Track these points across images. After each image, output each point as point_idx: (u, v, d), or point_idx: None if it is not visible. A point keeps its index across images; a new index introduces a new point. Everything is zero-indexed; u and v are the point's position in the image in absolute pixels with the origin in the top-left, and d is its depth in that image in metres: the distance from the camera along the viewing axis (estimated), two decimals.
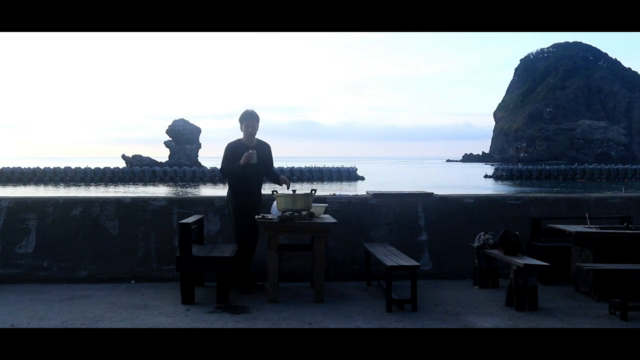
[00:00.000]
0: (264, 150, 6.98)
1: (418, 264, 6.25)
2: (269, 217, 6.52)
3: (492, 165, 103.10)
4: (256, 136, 6.99)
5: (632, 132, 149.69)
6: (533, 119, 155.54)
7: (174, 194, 42.95)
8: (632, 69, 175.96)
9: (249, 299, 6.43)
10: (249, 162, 6.63)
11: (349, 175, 66.34)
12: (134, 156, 76.17)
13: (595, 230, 6.59)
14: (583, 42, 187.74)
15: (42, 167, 66.58)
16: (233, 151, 6.86)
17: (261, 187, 7.12)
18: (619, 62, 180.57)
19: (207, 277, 7.03)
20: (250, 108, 6.98)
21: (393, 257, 6.37)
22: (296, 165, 72.09)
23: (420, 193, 8.11)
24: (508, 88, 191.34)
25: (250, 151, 6.65)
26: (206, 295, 6.50)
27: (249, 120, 6.90)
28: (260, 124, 6.98)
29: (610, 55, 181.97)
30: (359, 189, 46.15)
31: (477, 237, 7.11)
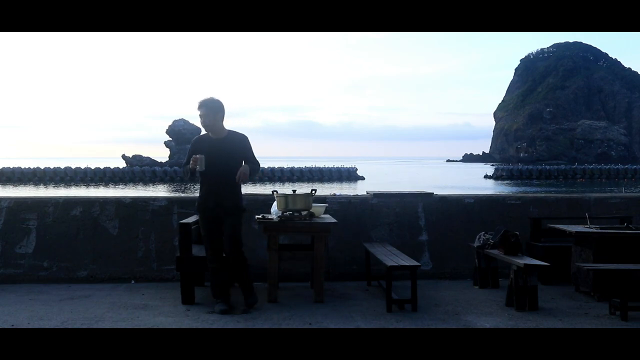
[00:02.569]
0: (237, 144, 6.00)
1: (418, 264, 6.25)
2: (269, 217, 6.52)
3: (492, 165, 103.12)
4: (235, 130, 6.09)
5: (632, 132, 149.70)
6: (533, 119, 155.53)
7: (174, 194, 42.94)
8: (632, 69, 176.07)
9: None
10: (195, 168, 5.81)
11: (349, 175, 66.35)
12: (134, 156, 76.24)
13: (595, 230, 6.59)
14: (583, 42, 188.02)
15: (42, 167, 66.62)
16: (196, 146, 6.00)
17: (233, 189, 5.96)
18: (619, 62, 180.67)
19: (207, 277, 7.02)
20: (215, 97, 6.00)
21: (393, 257, 6.37)
22: (296, 165, 72.09)
23: (420, 193, 8.10)
24: (508, 88, 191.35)
25: (197, 156, 5.80)
26: (206, 295, 6.50)
27: (202, 108, 5.94)
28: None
29: (610, 55, 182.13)
30: (359, 189, 46.15)
31: (477, 237, 7.11)
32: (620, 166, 76.38)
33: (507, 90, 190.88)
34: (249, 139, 6.13)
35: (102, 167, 66.51)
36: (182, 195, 32.91)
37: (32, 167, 66.79)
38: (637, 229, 6.62)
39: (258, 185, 57.44)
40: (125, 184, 58.76)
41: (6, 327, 5.31)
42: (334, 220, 6.58)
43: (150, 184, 59.06)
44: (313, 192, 6.57)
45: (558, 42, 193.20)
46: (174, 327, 5.33)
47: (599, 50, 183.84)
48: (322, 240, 6.37)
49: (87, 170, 65.92)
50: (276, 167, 70.17)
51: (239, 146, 6.02)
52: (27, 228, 7.48)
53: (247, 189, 7.12)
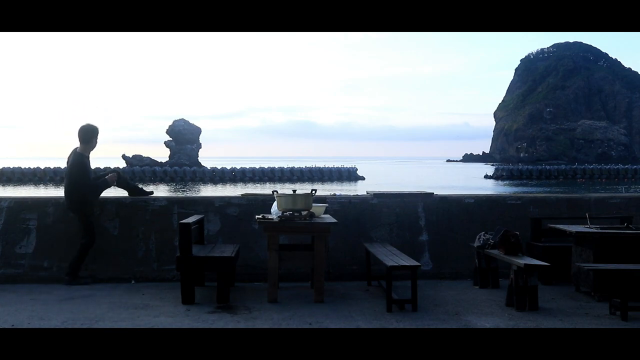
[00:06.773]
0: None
1: (418, 264, 6.25)
2: (269, 217, 6.52)
3: (493, 165, 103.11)
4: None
5: (633, 132, 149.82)
6: (533, 119, 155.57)
7: (174, 194, 42.93)
8: (633, 69, 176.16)
9: (249, 298, 6.42)
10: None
11: (349, 175, 66.35)
12: (134, 156, 76.20)
13: (595, 231, 6.59)
14: (583, 42, 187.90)
15: (42, 167, 66.57)
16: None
17: (71, 201, 7.27)
18: (619, 62, 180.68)
19: (207, 277, 7.02)
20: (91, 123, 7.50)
21: (393, 257, 6.37)
22: (296, 165, 72.09)
23: (421, 193, 8.10)
24: (508, 88, 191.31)
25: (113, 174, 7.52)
26: (206, 295, 6.50)
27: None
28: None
29: (610, 55, 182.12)
30: (359, 189, 46.14)
31: (478, 237, 7.11)
32: (620, 166, 76.45)
33: (507, 90, 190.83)
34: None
35: (102, 167, 66.44)
36: (182, 195, 32.91)
37: (32, 167, 66.74)
38: (637, 229, 6.62)
39: (258, 185, 57.47)
40: None
41: (6, 327, 5.31)
42: (334, 220, 6.58)
43: (151, 184, 59.04)
44: (313, 192, 6.57)
45: (558, 42, 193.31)
46: (174, 327, 5.33)
47: (599, 50, 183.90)
48: (322, 240, 6.37)
49: None
50: (276, 167, 70.16)
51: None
52: (27, 228, 7.47)
53: (247, 189, 7.17)
